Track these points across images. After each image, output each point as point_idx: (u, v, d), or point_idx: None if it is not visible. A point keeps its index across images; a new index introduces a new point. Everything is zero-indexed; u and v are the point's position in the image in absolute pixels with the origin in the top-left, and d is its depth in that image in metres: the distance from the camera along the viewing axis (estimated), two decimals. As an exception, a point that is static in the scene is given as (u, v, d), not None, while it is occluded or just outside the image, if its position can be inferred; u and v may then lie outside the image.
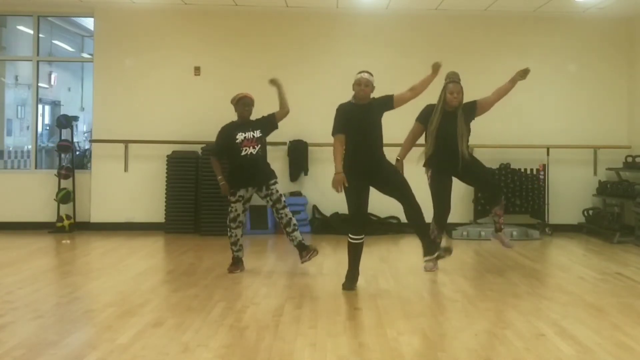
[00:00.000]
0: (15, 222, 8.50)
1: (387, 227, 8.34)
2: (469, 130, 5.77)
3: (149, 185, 8.59)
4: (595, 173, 8.78)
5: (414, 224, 5.23)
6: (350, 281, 5.19)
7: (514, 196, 8.40)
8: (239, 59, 8.71)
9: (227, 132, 5.78)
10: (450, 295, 5.03)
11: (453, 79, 5.67)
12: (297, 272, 5.82)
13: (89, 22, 10.48)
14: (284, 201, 5.80)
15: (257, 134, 5.74)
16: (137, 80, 8.72)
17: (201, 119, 8.53)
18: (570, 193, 8.72)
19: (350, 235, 5.18)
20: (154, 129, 8.61)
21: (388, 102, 5.20)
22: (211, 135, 8.49)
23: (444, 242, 5.94)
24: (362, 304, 4.71)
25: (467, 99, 5.78)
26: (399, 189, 5.13)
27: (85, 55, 13.29)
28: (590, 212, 8.52)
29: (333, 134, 5.18)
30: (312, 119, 8.26)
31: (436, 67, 5.20)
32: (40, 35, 9.22)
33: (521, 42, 8.80)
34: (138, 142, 8.61)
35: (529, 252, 7.15)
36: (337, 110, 5.24)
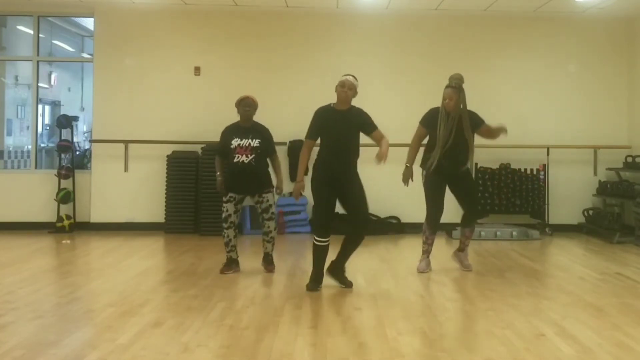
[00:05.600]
0: (15, 222, 8.50)
1: (387, 227, 8.34)
2: (471, 138, 5.69)
3: (149, 185, 8.59)
4: (595, 173, 8.78)
5: (348, 243, 5.21)
6: (314, 282, 5.17)
7: (514, 196, 8.40)
8: (239, 59, 8.71)
9: (226, 134, 5.77)
10: (450, 295, 5.04)
11: (449, 84, 5.65)
12: (297, 272, 5.83)
13: (89, 22, 10.48)
14: (273, 212, 5.77)
15: (255, 142, 5.65)
16: (137, 80, 8.72)
17: (201, 119, 8.54)
18: (570, 193, 8.72)
19: (315, 238, 5.18)
20: (154, 129, 8.61)
21: (368, 127, 5.14)
22: (211, 135, 8.53)
23: (423, 264, 5.94)
24: (362, 304, 4.71)
25: (468, 99, 5.74)
26: (354, 204, 5.11)
27: (85, 55, 13.28)
28: (590, 212, 8.52)
29: (306, 138, 5.20)
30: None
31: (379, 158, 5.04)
32: (40, 35, 9.21)
33: (521, 42, 8.80)
34: (138, 142, 8.61)
35: (529, 252, 7.15)
36: (315, 113, 5.22)
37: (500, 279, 5.69)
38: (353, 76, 5.21)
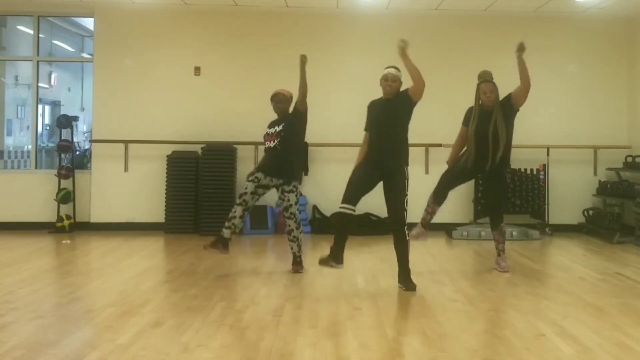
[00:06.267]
0: (15, 222, 8.49)
1: (387, 227, 8.32)
2: (510, 128, 5.75)
3: (149, 185, 8.59)
4: (595, 173, 8.78)
5: (395, 247, 5.22)
6: (329, 257, 5.12)
7: (514, 196, 8.39)
8: (239, 59, 8.71)
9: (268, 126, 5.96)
10: (450, 295, 5.03)
11: (485, 79, 5.69)
12: (297, 272, 5.82)
13: (89, 22, 10.48)
14: (292, 212, 5.78)
15: (279, 128, 5.78)
16: (137, 80, 8.72)
17: (201, 119, 8.53)
18: (570, 193, 8.72)
19: (340, 205, 5.14)
20: (154, 129, 8.61)
21: (407, 96, 5.17)
22: (211, 135, 8.58)
23: (416, 230, 5.97)
24: (362, 304, 4.71)
25: (469, 99, 5.76)
26: (392, 198, 5.13)
27: (85, 55, 13.28)
28: (590, 212, 8.52)
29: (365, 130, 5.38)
30: (312, 119, 8.11)
31: (401, 46, 5.12)
32: (40, 35, 9.21)
33: (521, 42, 8.79)
34: (138, 142, 8.60)
35: (529, 252, 7.15)
36: (367, 106, 5.38)
37: (500, 279, 5.69)
38: (395, 67, 5.21)
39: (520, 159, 8.56)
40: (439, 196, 5.97)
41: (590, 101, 8.84)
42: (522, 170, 8.52)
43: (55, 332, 3.98)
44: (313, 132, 8.37)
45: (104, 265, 6.37)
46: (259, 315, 4.38)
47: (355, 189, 5.15)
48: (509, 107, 5.74)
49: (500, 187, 5.96)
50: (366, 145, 5.29)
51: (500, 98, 5.77)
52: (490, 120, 5.64)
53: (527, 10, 8.58)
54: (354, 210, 5.13)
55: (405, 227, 5.17)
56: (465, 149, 5.86)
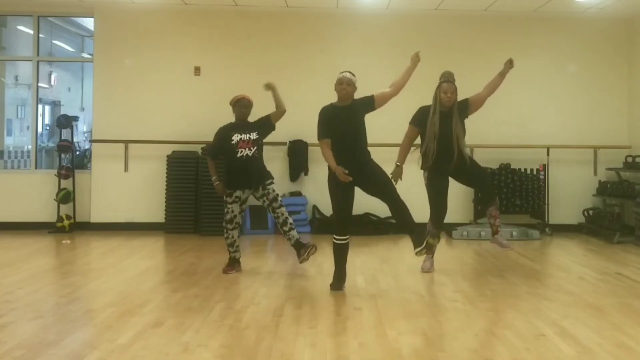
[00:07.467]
0: (15, 222, 8.50)
1: (387, 227, 8.34)
2: (464, 130, 5.72)
3: (149, 185, 8.59)
4: (595, 173, 8.78)
5: (401, 222, 5.17)
6: (338, 281, 5.19)
7: (514, 196, 8.39)
8: (239, 59, 8.71)
9: (223, 133, 5.80)
10: (450, 295, 5.04)
11: (447, 79, 5.64)
12: (297, 272, 5.82)
13: (89, 22, 10.49)
14: (280, 200, 5.77)
15: (254, 135, 5.73)
16: (137, 80, 8.72)
17: (201, 119, 8.53)
18: (570, 193, 8.72)
19: (334, 236, 5.17)
20: (154, 129, 8.62)
21: (369, 103, 5.18)
22: (211, 135, 8.54)
23: (428, 264, 5.93)
24: (362, 304, 4.72)
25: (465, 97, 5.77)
26: (383, 189, 5.11)
27: (85, 55, 13.29)
28: (590, 212, 8.52)
29: (319, 139, 5.17)
30: (312, 119, 8.12)
31: (414, 58, 5.26)
32: (40, 35, 9.22)
33: (521, 42, 8.79)
34: (138, 142, 8.61)
35: (529, 252, 7.15)
36: (320, 114, 5.22)
37: (500, 279, 5.69)
38: (350, 72, 5.21)
39: (520, 159, 8.58)
40: (437, 225, 5.87)
41: (590, 101, 8.84)
42: (522, 170, 8.52)
43: (55, 332, 3.99)
44: (313, 132, 8.33)
45: (104, 265, 6.37)
46: (259, 315, 4.38)
47: (345, 217, 5.14)
48: (464, 111, 5.70)
49: (474, 167, 5.86)
50: (330, 150, 5.10)
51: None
52: (451, 121, 5.61)
53: (527, 10, 8.58)
54: (348, 238, 5.17)
55: None
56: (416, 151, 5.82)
